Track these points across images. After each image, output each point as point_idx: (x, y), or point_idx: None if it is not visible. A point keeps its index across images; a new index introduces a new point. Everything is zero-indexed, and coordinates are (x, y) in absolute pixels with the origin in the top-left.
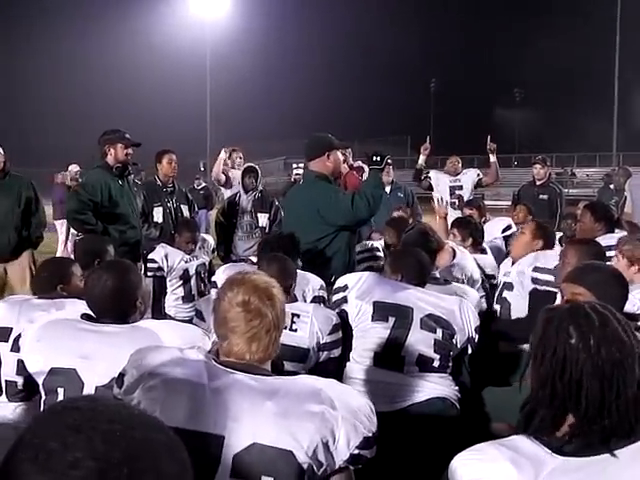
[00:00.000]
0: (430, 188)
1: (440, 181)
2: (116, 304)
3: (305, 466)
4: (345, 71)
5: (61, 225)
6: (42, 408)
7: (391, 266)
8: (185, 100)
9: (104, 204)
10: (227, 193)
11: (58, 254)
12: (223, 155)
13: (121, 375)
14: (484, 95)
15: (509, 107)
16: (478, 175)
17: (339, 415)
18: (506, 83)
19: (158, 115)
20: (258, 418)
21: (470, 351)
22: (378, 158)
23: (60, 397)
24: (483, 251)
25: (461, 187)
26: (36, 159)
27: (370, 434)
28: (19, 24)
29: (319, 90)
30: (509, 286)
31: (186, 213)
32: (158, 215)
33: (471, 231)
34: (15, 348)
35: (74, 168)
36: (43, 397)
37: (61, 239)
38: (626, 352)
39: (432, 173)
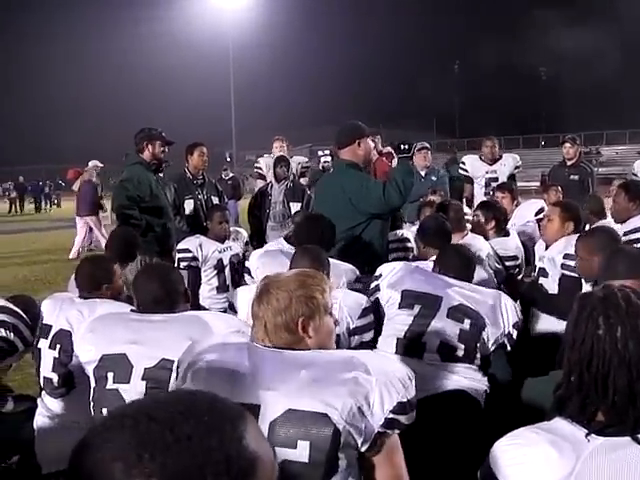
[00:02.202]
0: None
1: (476, 170)
2: (163, 306)
3: (341, 428)
4: (373, 56)
5: (84, 222)
6: (92, 395)
7: (435, 260)
8: (209, 91)
9: (146, 199)
10: (257, 183)
11: (75, 249)
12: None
13: (177, 367)
14: (509, 75)
15: (535, 86)
16: (517, 168)
17: (373, 379)
18: (531, 62)
19: (182, 107)
20: (292, 386)
21: (509, 347)
22: (406, 146)
23: (110, 381)
24: (506, 234)
25: (497, 179)
26: (59, 156)
27: (405, 399)
28: (37, 19)
29: (342, 76)
30: (544, 272)
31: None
32: (189, 207)
33: (494, 214)
34: (52, 345)
35: (94, 163)
36: (93, 385)
37: (81, 235)
38: None
39: (467, 161)
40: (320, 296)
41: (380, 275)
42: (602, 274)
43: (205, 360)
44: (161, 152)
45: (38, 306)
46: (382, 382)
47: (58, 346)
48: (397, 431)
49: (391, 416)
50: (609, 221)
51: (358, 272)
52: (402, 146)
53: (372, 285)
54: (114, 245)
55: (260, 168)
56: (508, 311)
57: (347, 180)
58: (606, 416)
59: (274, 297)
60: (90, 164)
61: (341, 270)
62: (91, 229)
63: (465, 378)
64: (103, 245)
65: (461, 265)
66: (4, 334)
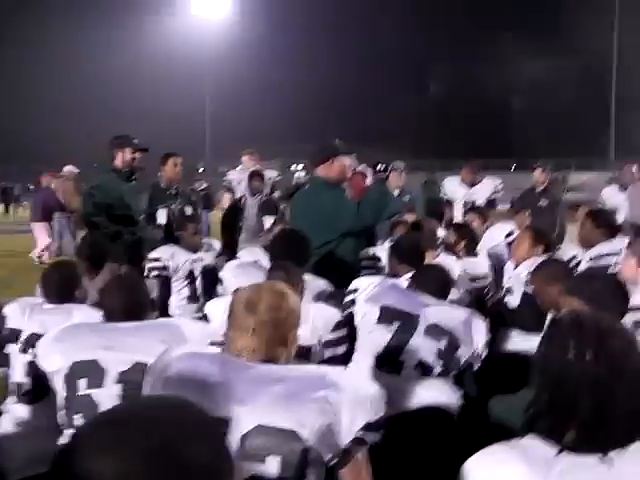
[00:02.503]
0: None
1: (456, 192)
2: (132, 317)
3: (309, 445)
4: (345, 73)
5: (41, 228)
6: (61, 403)
7: (411, 278)
8: (183, 102)
9: (115, 206)
10: (224, 197)
11: (36, 255)
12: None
13: (148, 375)
14: (481, 99)
15: (506, 111)
16: (495, 192)
17: (343, 398)
18: (503, 88)
19: (155, 117)
20: (263, 401)
21: (476, 367)
22: (382, 167)
23: (82, 387)
24: (475, 255)
25: (474, 202)
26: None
27: (373, 419)
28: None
29: (317, 92)
30: (510, 290)
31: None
32: (162, 217)
33: (464, 235)
34: (24, 349)
35: (69, 169)
36: (63, 393)
37: (41, 242)
38: (627, 367)
39: (447, 184)
40: (298, 309)
41: (356, 289)
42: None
43: (177, 370)
44: (132, 159)
45: None
46: (352, 401)
47: (31, 350)
48: (364, 448)
49: (360, 434)
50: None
51: (331, 288)
52: (378, 166)
53: (347, 299)
54: (84, 251)
55: (230, 181)
56: (479, 332)
57: (322, 197)
58: (577, 434)
59: (271, 309)
60: (65, 169)
61: (314, 286)
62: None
63: (439, 394)
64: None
65: (437, 285)
66: None
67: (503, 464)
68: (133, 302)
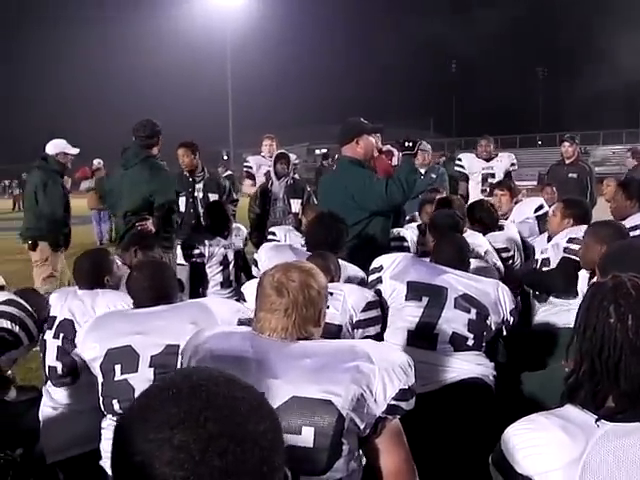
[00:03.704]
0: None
1: (473, 166)
2: (160, 303)
3: (344, 414)
4: (367, 54)
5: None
6: (100, 388)
7: (432, 249)
8: (206, 88)
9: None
10: (245, 182)
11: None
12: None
13: (181, 355)
14: (506, 74)
15: (532, 86)
16: (512, 165)
17: (375, 367)
18: (528, 62)
19: (180, 106)
20: (296, 374)
21: (505, 333)
22: (410, 144)
23: (117, 373)
24: (500, 228)
25: (494, 175)
26: None
27: (406, 386)
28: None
29: (340, 75)
30: (546, 262)
31: None
32: (181, 204)
33: (480, 216)
34: (56, 335)
35: (98, 161)
36: (100, 380)
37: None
38: None
39: (464, 157)
40: (326, 287)
41: (380, 267)
42: (606, 264)
43: (209, 348)
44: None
45: (45, 299)
46: (384, 369)
47: (61, 335)
48: (398, 417)
49: (393, 402)
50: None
51: (363, 274)
52: (406, 143)
53: (373, 277)
54: (82, 270)
55: (250, 167)
56: (506, 299)
57: (349, 177)
58: (617, 403)
59: (301, 288)
60: (95, 162)
61: (349, 271)
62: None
63: (476, 365)
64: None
65: (454, 254)
66: (9, 326)
67: (543, 431)
68: (160, 286)
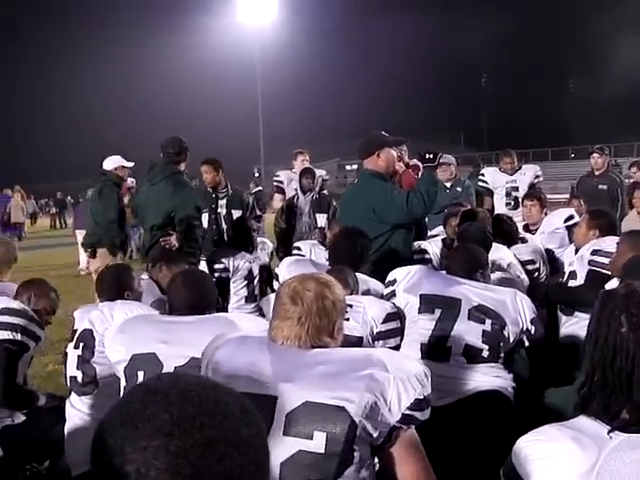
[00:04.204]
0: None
1: (496, 181)
2: (196, 313)
3: (357, 421)
4: (397, 71)
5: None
6: (122, 392)
7: (447, 259)
8: (237, 107)
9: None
10: (275, 197)
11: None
12: None
13: (200, 362)
14: (537, 88)
15: (564, 99)
16: (537, 177)
17: (390, 376)
18: (560, 74)
19: (211, 124)
20: (310, 379)
21: (527, 343)
22: (431, 156)
23: (140, 379)
24: (523, 241)
25: (517, 188)
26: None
27: (422, 396)
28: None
29: (371, 90)
30: (573, 275)
31: None
32: (204, 221)
33: (503, 228)
34: (76, 345)
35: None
36: (123, 383)
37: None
38: None
39: (487, 172)
40: (344, 299)
41: (395, 280)
42: (626, 273)
43: (225, 352)
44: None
45: (53, 289)
46: (399, 379)
47: (81, 344)
48: (412, 426)
49: (407, 412)
50: None
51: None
52: (427, 155)
53: (387, 291)
54: (104, 285)
55: (281, 182)
56: (525, 307)
57: (371, 190)
58: (631, 414)
59: (316, 298)
60: (129, 181)
61: (369, 285)
62: None
63: (493, 377)
64: None
65: (467, 263)
66: (11, 337)
67: (554, 442)
68: (198, 297)
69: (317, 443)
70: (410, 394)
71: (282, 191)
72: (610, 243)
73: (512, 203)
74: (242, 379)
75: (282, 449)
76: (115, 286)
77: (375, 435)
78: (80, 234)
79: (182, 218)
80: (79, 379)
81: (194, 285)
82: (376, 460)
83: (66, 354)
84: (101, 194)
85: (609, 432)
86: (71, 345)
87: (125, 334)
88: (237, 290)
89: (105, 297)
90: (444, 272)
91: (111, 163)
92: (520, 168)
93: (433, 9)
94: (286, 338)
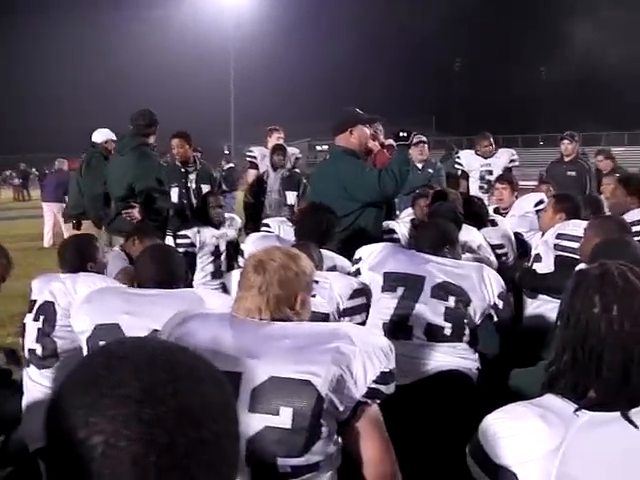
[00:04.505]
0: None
1: (471, 164)
2: (163, 286)
3: (324, 395)
4: (369, 52)
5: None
6: None
7: (414, 237)
8: (209, 83)
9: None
10: (248, 173)
11: (47, 237)
12: None
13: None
14: (508, 74)
15: (534, 85)
16: (512, 161)
17: (356, 349)
18: (531, 61)
19: (182, 101)
20: (275, 354)
21: (495, 318)
22: (405, 134)
23: None
24: (493, 224)
25: (491, 172)
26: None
27: (387, 369)
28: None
29: (343, 71)
30: (537, 258)
31: None
32: (174, 195)
33: (474, 210)
34: (36, 317)
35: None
36: (86, 353)
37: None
38: None
39: (462, 155)
40: (310, 273)
41: (360, 258)
42: (596, 256)
43: (186, 329)
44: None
45: (5, 255)
46: (365, 351)
47: (42, 317)
48: (377, 401)
49: (373, 385)
50: None
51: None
52: (401, 133)
53: (352, 269)
54: (66, 255)
55: (254, 157)
56: (492, 282)
57: (342, 167)
58: (598, 394)
59: (279, 268)
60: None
61: (335, 262)
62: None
63: (455, 357)
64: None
65: (431, 237)
66: None
67: (521, 419)
68: (165, 272)
69: (283, 419)
70: (376, 367)
71: (256, 166)
72: (573, 227)
73: (485, 187)
74: (206, 356)
75: (248, 426)
76: (77, 257)
77: (341, 409)
78: (48, 207)
79: (142, 189)
80: (38, 352)
81: (162, 260)
82: None
83: (24, 325)
84: (89, 166)
85: (576, 410)
86: (30, 316)
87: (91, 304)
88: (204, 266)
89: (67, 268)
90: (413, 250)
91: (100, 136)
92: (496, 152)
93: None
94: (248, 310)
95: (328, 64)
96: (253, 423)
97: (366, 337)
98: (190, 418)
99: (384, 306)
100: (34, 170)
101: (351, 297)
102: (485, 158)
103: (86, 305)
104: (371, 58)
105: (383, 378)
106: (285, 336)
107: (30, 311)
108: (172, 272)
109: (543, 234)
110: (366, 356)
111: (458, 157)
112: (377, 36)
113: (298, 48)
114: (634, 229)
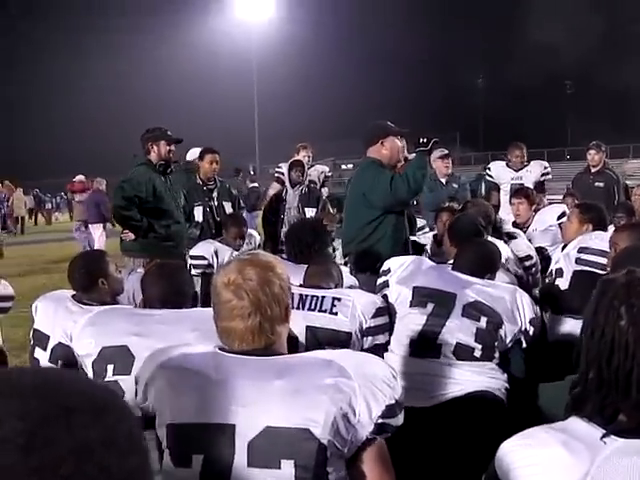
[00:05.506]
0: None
1: (501, 177)
2: (170, 307)
3: (325, 442)
4: (394, 70)
5: (97, 228)
6: None
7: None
8: (233, 105)
9: (148, 199)
10: (273, 186)
11: None
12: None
13: (135, 384)
14: (534, 88)
15: (560, 100)
16: (544, 175)
17: (355, 384)
18: (556, 76)
19: (206, 120)
20: (267, 400)
21: (525, 345)
22: (424, 140)
23: (109, 373)
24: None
25: (522, 186)
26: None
27: (393, 401)
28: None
29: (368, 90)
30: (560, 272)
31: (229, 210)
32: (198, 214)
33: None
34: (53, 360)
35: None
36: (91, 377)
37: (97, 241)
38: None
39: (493, 167)
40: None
41: (388, 270)
42: (621, 263)
43: (166, 375)
44: (168, 152)
45: None
46: (365, 386)
47: (60, 362)
48: (386, 436)
49: (380, 421)
50: None
51: (355, 282)
52: (421, 139)
53: (380, 281)
54: (75, 272)
55: (282, 173)
56: (524, 306)
57: (363, 175)
58: (628, 417)
59: (262, 286)
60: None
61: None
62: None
63: (484, 377)
64: None
65: (475, 260)
66: None
67: (541, 447)
68: (172, 291)
69: (286, 472)
70: (380, 401)
71: (282, 182)
72: (597, 240)
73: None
74: (192, 406)
75: None
76: (87, 274)
77: (346, 450)
78: (94, 228)
79: (112, 207)
80: None
81: (169, 280)
82: None
83: (36, 360)
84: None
85: (603, 436)
86: (43, 355)
87: (95, 326)
88: None
89: (77, 286)
90: (443, 265)
91: (192, 156)
92: (528, 164)
93: (434, 9)
94: (239, 339)
95: (353, 84)
96: (254, 479)
97: (364, 367)
98: (91, 457)
99: (412, 322)
100: (47, 195)
101: (374, 316)
102: (516, 170)
103: (90, 328)
104: (395, 77)
105: (390, 411)
106: (277, 375)
107: (42, 347)
108: (179, 292)
109: (564, 246)
110: (368, 391)
111: (488, 168)
112: (401, 54)
113: (322, 67)
114: None
